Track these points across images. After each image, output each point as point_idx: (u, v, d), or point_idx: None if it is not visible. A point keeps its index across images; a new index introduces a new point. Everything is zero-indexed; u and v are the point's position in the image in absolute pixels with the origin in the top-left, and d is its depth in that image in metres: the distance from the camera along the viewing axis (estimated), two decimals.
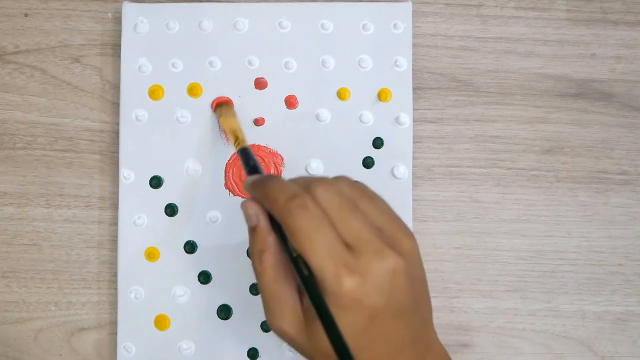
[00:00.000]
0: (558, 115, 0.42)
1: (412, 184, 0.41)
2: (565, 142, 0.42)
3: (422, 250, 0.41)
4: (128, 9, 0.41)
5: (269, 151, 0.41)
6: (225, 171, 0.41)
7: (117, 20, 0.42)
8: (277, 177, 0.30)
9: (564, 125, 0.42)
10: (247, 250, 0.39)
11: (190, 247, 0.40)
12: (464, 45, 0.43)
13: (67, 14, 0.43)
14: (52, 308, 0.41)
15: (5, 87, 0.42)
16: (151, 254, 0.40)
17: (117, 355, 0.40)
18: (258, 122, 0.41)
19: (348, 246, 0.27)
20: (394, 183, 0.41)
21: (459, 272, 0.42)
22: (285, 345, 0.40)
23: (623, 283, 0.42)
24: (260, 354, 0.40)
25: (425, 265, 0.41)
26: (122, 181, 0.40)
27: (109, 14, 0.43)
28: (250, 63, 0.41)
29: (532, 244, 0.42)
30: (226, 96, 0.41)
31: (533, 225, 0.42)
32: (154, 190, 0.41)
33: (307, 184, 0.29)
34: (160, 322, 0.40)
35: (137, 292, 0.40)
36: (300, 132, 0.41)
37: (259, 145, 0.41)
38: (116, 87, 0.42)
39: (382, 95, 0.41)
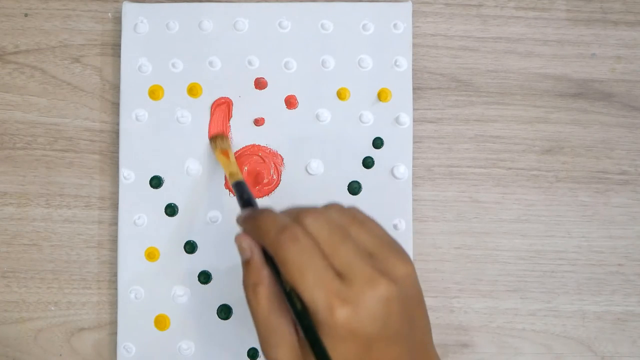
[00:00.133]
0: (558, 115, 0.42)
1: (412, 184, 0.41)
2: (565, 142, 0.42)
3: (422, 250, 0.42)
4: (128, 9, 0.41)
5: (269, 151, 0.41)
6: None
7: (117, 20, 0.42)
8: (268, 210, 0.30)
9: (564, 125, 0.42)
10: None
11: (190, 247, 0.40)
12: (464, 45, 0.43)
13: (67, 14, 0.43)
14: (52, 308, 0.41)
15: (5, 87, 0.42)
16: (151, 254, 0.40)
17: (117, 355, 0.40)
18: (258, 122, 0.41)
19: (340, 275, 0.27)
20: (394, 183, 0.41)
21: (459, 272, 0.42)
22: None
23: (623, 283, 0.42)
24: (260, 354, 0.40)
25: (425, 265, 0.42)
26: (122, 181, 0.40)
27: (109, 14, 0.43)
28: (250, 63, 0.41)
29: (532, 244, 0.42)
30: (226, 96, 0.41)
31: (533, 225, 0.42)
32: (154, 190, 0.41)
33: (297, 215, 0.29)
34: (160, 322, 0.40)
35: (137, 292, 0.40)
36: (300, 132, 0.41)
37: (259, 145, 0.41)
38: (116, 87, 0.42)
39: (382, 95, 0.41)
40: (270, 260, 0.29)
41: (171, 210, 0.40)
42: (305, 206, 0.30)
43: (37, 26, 0.42)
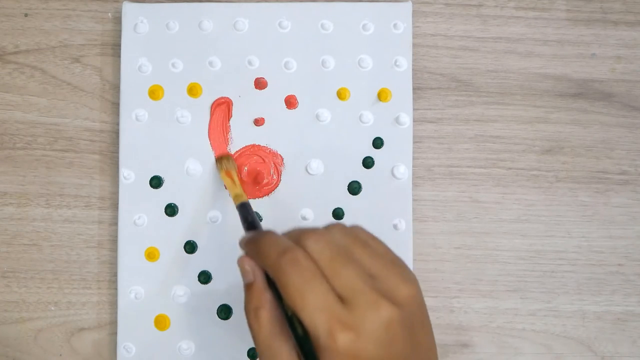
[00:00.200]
0: (558, 115, 0.42)
1: (412, 184, 0.41)
2: (565, 142, 0.42)
3: (422, 250, 0.42)
4: (128, 9, 0.41)
5: (269, 151, 0.41)
6: None
7: (117, 20, 0.42)
8: (270, 232, 0.30)
9: (564, 125, 0.42)
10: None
11: (190, 247, 0.40)
12: (464, 45, 0.43)
13: (67, 14, 0.43)
14: (52, 308, 0.41)
15: (5, 87, 0.42)
16: (151, 254, 0.40)
17: (117, 355, 0.40)
18: (258, 122, 0.41)
19: (341, 299, 0.27)
20: (394, 183, 0.41)
21: (459, 272, 0.42)
22: None
23: (623, 283, 0.42)
24: None
25: (425, 265, 0.42)
26: (122, 181, 0.40)
27: (109, 14, 0.43)
28: (250, 63, 0.41)
29: (532, 244, 0.42)
30: (226, 96, 0.41)
31: (533, 225, 0.42)
32: (154, 190, 0.41)
33: (299, 237, 0.28)
34: (160, 322, 0.40)
35: (137, 292, 0.40)
36: (300, 132, 0.41)
37: (259, 145, 0.41)
38: (116, 87, 0.42)
39: (382, 95, 0.41)
40: (272, 283, 0.29)
41: (171, 210, 0.40)
42: (307, 228, 0.29)
43: (37, 26, 0.42)
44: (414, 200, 0.41)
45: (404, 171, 0.41)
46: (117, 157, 0.41)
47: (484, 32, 0.43)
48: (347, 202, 0.41)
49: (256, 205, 0.40)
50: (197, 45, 0.41)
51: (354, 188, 0.41)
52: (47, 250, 0.42)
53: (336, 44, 0.41)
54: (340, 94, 0.41)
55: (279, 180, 0.41)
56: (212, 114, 0.41)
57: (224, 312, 0.40)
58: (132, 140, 0.41)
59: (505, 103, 0.42)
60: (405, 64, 0.41)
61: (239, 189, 0.38)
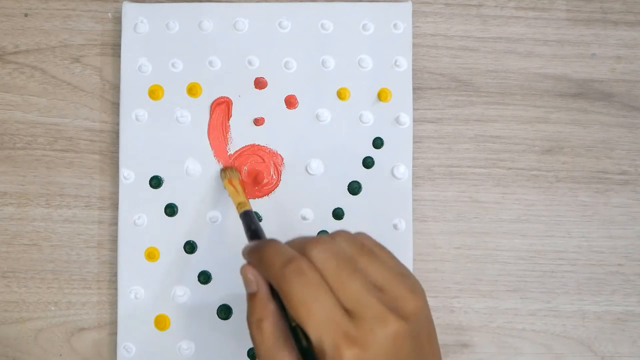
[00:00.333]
0: (558, 115, 0.42)
1: (412, 184, 0.41)
2: (565, 142, 0.42)
3: (422, 250, 0.42)
4: (128, 9, 0.41)
5: (269, 151, 0.41)
6: None
7: (117, 20, 0.42)
8: (274, 241, 0.29)
9: (564, 125, 0.42)
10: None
11: (190, 247, 0.40)
12: (464, 45, 0.43)
13: (67, 14, 0.43)
14: (52, 308, 0.41)
15: (5, 87, 0.42)
16: (151, 254, 0.40)
17: (117, 355, 0.40)
18: (258, 122, 0.41)
19: (347, 312, 0.26)
20: (394, 183, 0.41)
21: (459, 272, 0.42)
22: None
23: (623, 283, 0.42)
24: None
25: (425, 265, 0.42)
26: (122, 181, 0.40)
27: (109, 14, 0.43)
28: (250, 63, 0.41)
29: (532, 244, 0.42)
30: (225, 96, 0.41)
31: (533, 225, 0.42)
32: (154, 190, 0.41)
33: (303, 246, 0.28)
34: (160, 322, 0.40)
35: (137, 292, 0.40)
36: (300, 132, 0.41)
37: (258, 145, 0.41)
38: (116, 87, 0.42)
39: (382, 95, 0.41)
40: (275, 293, 0.28)
41: (171, 210, 0.40)
42: (311, 237, 0.29)
43: (37, 26, 0.42)
44: (414, 200, 0.41)
45: (404, 171, 0.41)
46: (117, 157, 0.41)
47: (484, 32, 0.43)
48: (347, 202, 0.41)
49: (256, 205, 0.40)
50: (197, 45, 0.41)
51: (354, 188, 0.41)
52: (47, 250, 0.42)
53: (336, 44, 0.41)
54: (340, 94, 0.41)
55: (278, 180, 0.41)
56: (211, 114, 0.41)
57: (224, 312, 0.40)
58: (132, 140, 0.41)
59: (505, 103, 0.42)
60: (405, 64, 0.41)
61: (242, 197, 0.38)
